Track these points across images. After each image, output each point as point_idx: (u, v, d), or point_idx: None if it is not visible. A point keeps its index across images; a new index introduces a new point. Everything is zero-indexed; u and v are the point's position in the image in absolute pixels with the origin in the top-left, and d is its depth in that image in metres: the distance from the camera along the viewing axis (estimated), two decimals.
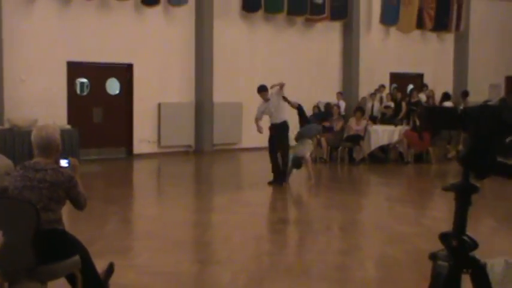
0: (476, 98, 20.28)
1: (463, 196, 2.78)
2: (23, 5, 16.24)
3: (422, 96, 20.32)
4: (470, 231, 2.82)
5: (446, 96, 20.34)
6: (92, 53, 17.17)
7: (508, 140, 2.69)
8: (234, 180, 14.57)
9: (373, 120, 18.70)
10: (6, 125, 15.22)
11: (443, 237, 2.81)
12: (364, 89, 21.53)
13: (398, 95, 20.29)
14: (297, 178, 13.54)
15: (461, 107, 2.63)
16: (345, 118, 18.40)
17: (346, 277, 6.94)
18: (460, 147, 16.68)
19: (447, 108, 2.80)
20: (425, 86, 21.68)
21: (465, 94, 20.20)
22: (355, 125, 17.01)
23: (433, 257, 2.84)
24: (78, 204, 5.24)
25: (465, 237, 2.78)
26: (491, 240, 8.26)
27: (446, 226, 2.86)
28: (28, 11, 16.34)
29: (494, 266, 3.84)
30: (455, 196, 2.80)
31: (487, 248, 5.99)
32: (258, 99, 13.40)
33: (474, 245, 2.77)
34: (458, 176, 2.81)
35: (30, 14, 16.36)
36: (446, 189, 2.80)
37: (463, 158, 2.73)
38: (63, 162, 5.23)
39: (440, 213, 10.32)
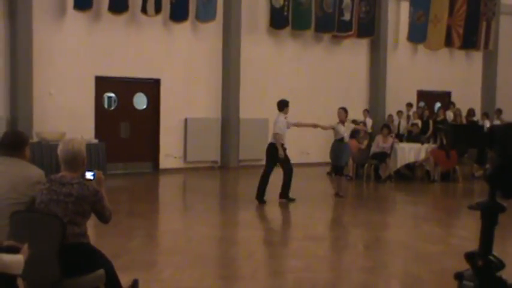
0: (505, 117, 20.13)
1: (490, 215, 2.74)
2: (52, 20, 16.47)
3: (450, 114, 20.18)
4: (497, 251, 2.78)
5: (473, 114, 20.30)
6: (120, 68, 17.34)
7: None
8: None
9: (400, 138, 18.61)
10: (35, 139, 15.37)
11: (469, 256, 2.77)
12: (391, 106, 21.44)
13: (426, 113, 20.20)
14: (321, 194, 13.49)
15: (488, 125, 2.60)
16: (372, 135, 18.32)
17: None
18: (487, 165, 16.52)
19: (474, 126, 2.77)
20: (452, 103, 21.55)
21: (499, 112, 20.25)
22: (381, 143, 16.94)
23: (459, 276, 2.80)
24: (103, 217, 5.27)
25: (491, 257, 2.74)
26: None
27: (473, 245, 2.82)
28: (58, 26, 16.56)
29: None
30: (481, 215, 2.76)
31: None
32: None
33: (501, 265, 2.73)
34: (485, 195, 2.77)
35: (59, 29, 16.58)
36: (473, 208, 2.76)
37: (490, 176, 2.70)
38: (89, 175, 5.27)
39: (467, 232, 10.20)
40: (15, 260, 4.32)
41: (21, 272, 4.36)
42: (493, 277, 2.74)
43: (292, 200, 13.02)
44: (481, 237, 2.77)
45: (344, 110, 13.80)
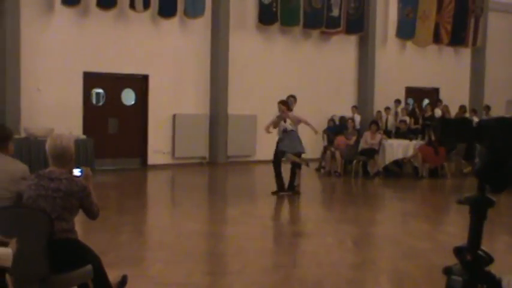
0: (493, 113, 20.22)
1: (478, 210, 2.74)
2: (41, 15, 16.38)
3: (438, 112, 20.23)
4: (486, 247, 2.78)
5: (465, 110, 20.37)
6: (108, 63, 17.27)
7: None
8: (247, 192, 14.55)
9: (388, 134, 18.64)
10: (23, 134, 15.30)
11: (458, 251, 2.77)
12: (379, 103, 21.47)
13: (417, 111, 20.35)
14: (311, 190, 13.50)
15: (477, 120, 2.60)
16: (360, 132, 18.34)
17: None
18: (476, 160, 16.58)
19: (464, 121, 2.77)
20: (440, 100, 21.59)
21: (487, 108, 20.43)
22: (370, 139, 16.96)
23: (447, 271, 2.80)
24: (91, 213, 5.25)
25: (480, 252, 2.73)
26: (508, 257, 8.17)
27: (461, 241, 2.82)
28: (46, 21, 16.47)
29: (511, 282, 3.77)
30: (470, 210, 2.75)
31: (503, 264, 5.93)
32: (272, 111, 13.38)
33: (489, 259, 2.73)
34: (474, 191, 2.77)
35: (48, 25, 16.49)
36: (461, 203, 2.76)
37: (479, 170, 2.70)
38: (76, 171, 5.24)
39: (455, 228, 10.24)
40: (4, 252, 4.30)
41: (10, 264, 4.33)
42: (482, 272, 2.74)
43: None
44: (469, 231, 2.76)
45: (282, 103, 13.20)
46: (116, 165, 17.52)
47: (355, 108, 20.69)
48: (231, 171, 18.11)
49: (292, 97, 13.67)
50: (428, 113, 19.61)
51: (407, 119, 19.29)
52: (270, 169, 13.22)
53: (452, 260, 2.83)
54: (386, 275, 7.56)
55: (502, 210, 11.32)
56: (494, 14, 24.47)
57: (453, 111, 20.59)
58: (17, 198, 5.15)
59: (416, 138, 17.83)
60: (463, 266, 2.74)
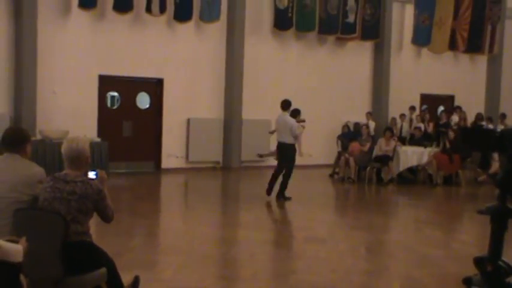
0: (509, 121, 20.12)
1: (499, 220, 2.71)
2: (57, 18, 16.46)
3: (455, 118, 20.13)
4: (507, 257, 2.74)
5: (481, 118, 20.26)
6: (123, 67, 17.32)
7: None
8: (260, 197, 14.51)
9: (402, 141, 18.57)
10: (38, 137, 15.37)
11: (478, 261, 2.74)
12: (394, 109, 21.40)
13: (427, 117, 20.25)
14: (324, 196, 13.46)
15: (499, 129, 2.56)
16: (374, 138, 18.28)
17: None
18: (492, 169, 16.48)
19: (485, 130, 2.74)
20: (459, 107, 21.40)
21: (503, 116, 20.27)
22: (384, 145, 16.90)
23: (467, 281, 2.77)
24: (106, 216, 5.25)
25: (501, 262, 2.70)
26: None
27: (475, 250, 2.80)
28: (62, 24, 16.54)
29: None
30: (491, 219, 2.72)
31: None
32: None
33: (510, 270, 2.70)
34: (488, 200, 2.74)
35: (64, 28, 16.56)
36: (482, 213, 2.73)
37: (500, 180, 2.66)
38: (91, 174, 5.26)
39: (469, 236, 10.18)
40: (15, 248, 4.32)
41: (21, 259, 4.34)
42: (503, 283, 2.71)
43: (289, 198, 13.15)
44: (490, 242, 2.73)
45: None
46: (130, 168, 17.56)
47: (369, 114, 20.63)
48: (245, 176, 18.09)
49: None
50: (443, 120, 19.53)
51: (422, 125, 19.22)
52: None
53: (465, 268, 2.80)
54: (400, 282, 7.52)
55: None
56: (511, 22, 24.34)
57: (468, 119, 20.53)
58: (33, 201, 5.16)
59: (431, 146, 17.74)
60: (483, 276, 2.71)
